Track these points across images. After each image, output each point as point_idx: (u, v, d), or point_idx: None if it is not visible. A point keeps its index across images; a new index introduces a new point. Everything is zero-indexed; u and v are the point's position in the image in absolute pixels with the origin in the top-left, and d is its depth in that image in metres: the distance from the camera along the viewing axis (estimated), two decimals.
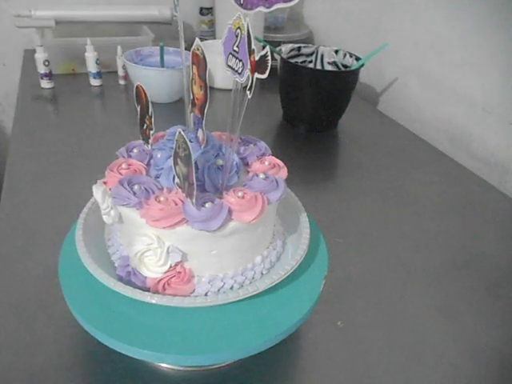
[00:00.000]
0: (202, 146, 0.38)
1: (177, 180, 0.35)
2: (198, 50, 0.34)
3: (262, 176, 0.38)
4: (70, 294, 0.37)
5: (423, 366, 0.45)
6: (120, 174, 0.38)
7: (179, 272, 0.36)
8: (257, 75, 0.31)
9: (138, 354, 0.34)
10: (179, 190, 0.35)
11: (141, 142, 0.42)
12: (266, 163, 0.40)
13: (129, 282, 0.36)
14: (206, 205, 0.34)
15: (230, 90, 0.35)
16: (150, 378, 0.41)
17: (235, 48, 0.32)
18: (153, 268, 0.36)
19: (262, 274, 0.40)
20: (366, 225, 0.64)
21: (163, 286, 0.36)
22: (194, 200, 0.33)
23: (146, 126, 0.40)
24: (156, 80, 0.91)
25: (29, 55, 1.08)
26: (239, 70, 0.32)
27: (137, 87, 0.39)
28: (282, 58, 0.86)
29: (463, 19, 0.82)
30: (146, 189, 0.36)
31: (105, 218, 0.38)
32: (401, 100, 1.01)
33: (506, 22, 0.74)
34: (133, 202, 0.35)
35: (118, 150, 0.42)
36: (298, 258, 0.39)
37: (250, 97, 0.32)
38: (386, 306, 0.51)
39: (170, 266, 0.36)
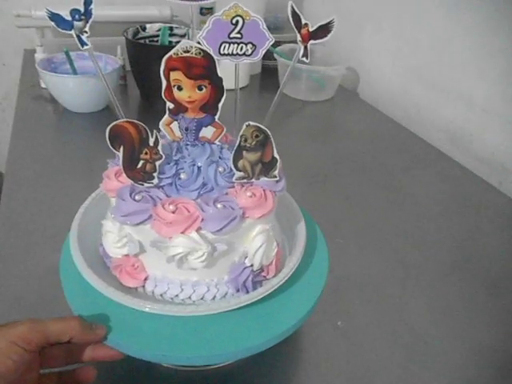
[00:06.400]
0: (204, 146, 0.38)
1: (238, 175, 0.35)
2: None
3: None
4: (70, 293, 0.37)
5: (423, 365, 0.45)
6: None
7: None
8: (313, 42, 0.35)
9: (139, 354, 0.34)
10: (236, 186, 0.36)
11: None
12: None
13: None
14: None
15: (230, 89, 0.35)
16: (150, 378, 0.41)
17: (235, 35, 0.33)
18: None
19: None
20: (366, 225, 0.64)
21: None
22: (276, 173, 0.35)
23: (140, 163, 0.34)
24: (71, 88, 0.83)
25: (29, 55, 1.08)
26: (248, 53, 0.34)
27: (113, 126, 0.33)
28: (127, 40, 0.88)
29: (463, 19, 0.82)
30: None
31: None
32: (401, 100, 1.01)
33: (506, 22, 0.74)
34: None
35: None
36: (298, 258, 0.39)
37: (307, 61, 0.36)
38: (385, 305, 0.51)
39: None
